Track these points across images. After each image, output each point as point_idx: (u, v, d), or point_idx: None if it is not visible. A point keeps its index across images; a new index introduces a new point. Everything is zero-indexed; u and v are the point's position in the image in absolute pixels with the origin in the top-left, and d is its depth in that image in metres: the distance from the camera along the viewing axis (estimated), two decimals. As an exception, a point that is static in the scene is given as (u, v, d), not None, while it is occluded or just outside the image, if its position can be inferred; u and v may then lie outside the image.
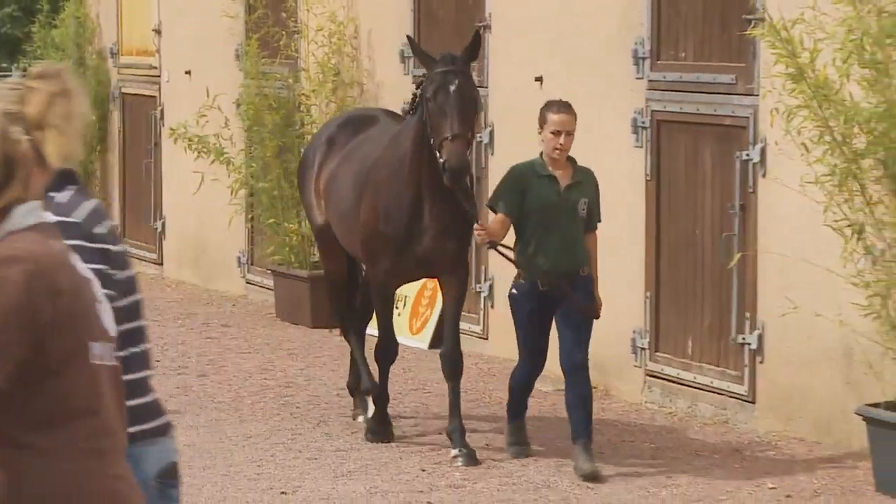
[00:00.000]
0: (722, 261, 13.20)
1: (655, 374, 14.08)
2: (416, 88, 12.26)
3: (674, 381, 13.78)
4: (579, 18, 14.63)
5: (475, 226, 11.74)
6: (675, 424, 13.36)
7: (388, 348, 12.83)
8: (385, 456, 12.40)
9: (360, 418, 13.27)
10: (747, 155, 13.09)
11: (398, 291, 16.68)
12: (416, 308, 16.66)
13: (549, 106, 11.72)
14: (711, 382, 13.59)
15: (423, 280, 16.39)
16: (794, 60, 11.42)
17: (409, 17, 16.92)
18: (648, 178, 14.07)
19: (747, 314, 13.16)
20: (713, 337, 13.43)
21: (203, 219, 19.70)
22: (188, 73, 20.13)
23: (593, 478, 11.28)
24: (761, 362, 13.11)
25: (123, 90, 22.07)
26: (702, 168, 13.75)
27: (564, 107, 11.65)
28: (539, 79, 14.98)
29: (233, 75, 18.92)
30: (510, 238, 11.98)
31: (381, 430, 12.76)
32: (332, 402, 14.24)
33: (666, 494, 10.23)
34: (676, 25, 13.93)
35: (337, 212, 13.09)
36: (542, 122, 11.59)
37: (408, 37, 12.73)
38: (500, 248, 11.91)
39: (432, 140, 11.68)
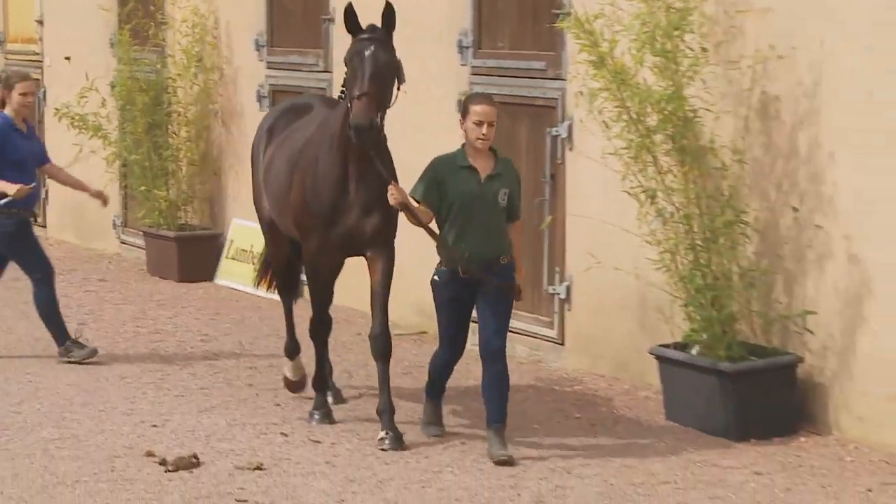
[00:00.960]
0: (536, 223, 13.29)
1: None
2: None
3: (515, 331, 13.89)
4: (413, 13, 14.60)
5: (389, 186, 10.49)
6: (523, 372, 13.38)
7: (320, 326, 11.67)
8: (243, 394, 12.47)
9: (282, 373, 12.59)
10: (556, 131, 13.26)
11: (250, 247, 16.82)
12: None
13: (472, 98, 10.71)
14: (527, 327, 13.75)
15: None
16: (596, 50, 11.50)
17: (263, 10, 16.92)
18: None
19: (557, 269, 13.36)
20: (528, 288, 13.50)
21: (82, 187, 19.60)
22: (68, 58, 19.99)
23: (506, 463, 10.32)
24: (569, 310, 13.30)
25: (11, 73, 21.88)
26: (518, 142, 13.82)
27: (486, 98, 10.65)
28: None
29: (108, 61, 18.80)
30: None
31: (323, 413, 11.52)
32: (197, 347, 14.31)
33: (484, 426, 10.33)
34: (495, 20, 14.02)
35: (273, 196, 11.91)
36: (465, 112, 10.48)
37: (348, 5, 10.81)
38: (421, 226, 10.65)
39: (349, 105, 10.56)
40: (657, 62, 11.46)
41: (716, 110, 11.54)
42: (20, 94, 13.29)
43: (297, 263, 12.54)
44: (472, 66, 14.16)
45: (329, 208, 10.96)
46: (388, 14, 10.93)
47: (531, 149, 13.68)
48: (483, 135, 10.32)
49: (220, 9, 17.55)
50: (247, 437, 11.18)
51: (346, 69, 10.79)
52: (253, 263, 16.50)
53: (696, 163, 11.41)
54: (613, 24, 11.52)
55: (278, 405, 12.12)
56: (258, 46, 16.97)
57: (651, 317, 12.27)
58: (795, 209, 11.31)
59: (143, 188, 17.90)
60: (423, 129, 14.39)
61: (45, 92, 20.71)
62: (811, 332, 11.28)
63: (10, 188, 13.04)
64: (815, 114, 11.17)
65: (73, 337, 13.74)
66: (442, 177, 10.44)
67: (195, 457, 10.41)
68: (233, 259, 17.12)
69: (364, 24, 10.96)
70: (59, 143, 19.27)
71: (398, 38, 14.68)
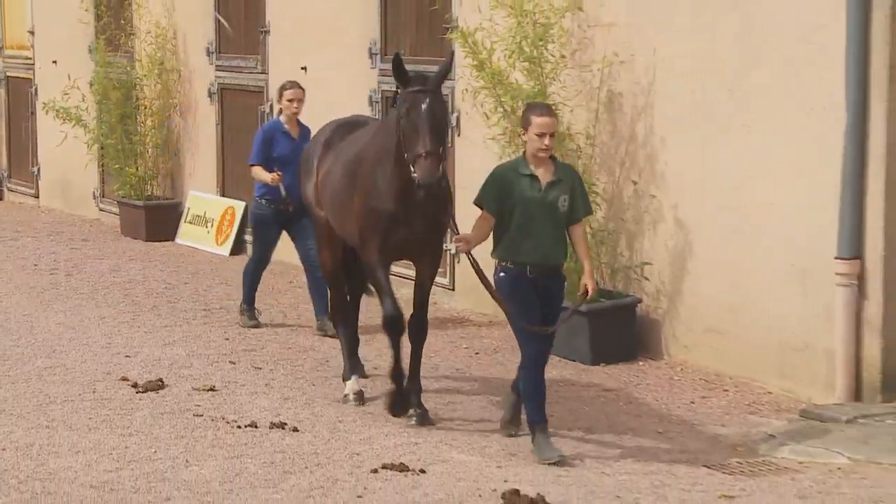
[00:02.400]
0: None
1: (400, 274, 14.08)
2: (396, 92, 9.46)
3: (402, 277, 13.97)
4: (333, 26, 14.69)
5: (455, 238, 9.25)
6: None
7: (392, 320, 9.67)
8: (199, 330, 12.51)
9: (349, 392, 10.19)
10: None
11: (203, 213, 16.83)
12: (220, 228, 16.59)
13: (533, 109, 8.99)
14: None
15: (227, 206, 16.48)
16: (477, 56, 11.61)
17: (212, 24, 16.84)
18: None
19: (449, 231, 13.33)
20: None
21: (67, 165, 19.39)
22: (55, 62, 19.83)
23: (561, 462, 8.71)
24: (458, 263, 13.32)
25: (8, 74, 21.63)
26: None
27: (547, 110, 8.96)
28: (304, 68, 15.00)
29: (87, 64, 18.61)
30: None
31: (398, 402, 9.72)
32: (161, 294, 14.26)
33: (384, 361, 10.28)
34: (397, 32, 14.01)
35: (332, 202, 10.17)
36: (527, 124, 8.85)
37: (396, 54, 9.46)
38: (472, 258, 9.13)
39: (406, 154, 9.05)
40: (525, 66, 11.57)
41: (572, 104, 11.65)
42: (287, 101, 12.40)
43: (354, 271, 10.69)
44: (380, 69, 14.12)
45: (393, 210, 9.38)
46: (446, 65, 9.63)
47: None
48: (545, 146, 8.76)
49: (177, 22, 17.43)
50: (202, 364, 11.22)
51: (399, 116, 9.14)
52: (206, 227, 16.62)
53: (557, 146, 11.52)
54: (491, 35, 11.62)
55: (227, 339, 12.19)
56: (208, 52, 16.91)
57: None
58: (635, 182, 11.46)
59: (116, 166, 17.73)
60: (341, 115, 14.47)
61: (36, 89, 20.50)
62: (647, 279, 11.49)
63: (267, 177, 12.33)
64: (650, 107, 11.34)
65: (255, 308, 12.81)
66: (505, 186, 8.87)
67: (160, 381, 10.48)
68: (190, 223, 17.06)
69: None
70: (49, 130, 19.26)
71: (325, 50, 14.87)
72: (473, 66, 11.71)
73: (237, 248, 16.25)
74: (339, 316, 10.72)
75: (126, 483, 8.20)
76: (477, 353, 11.82)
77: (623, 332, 11.45)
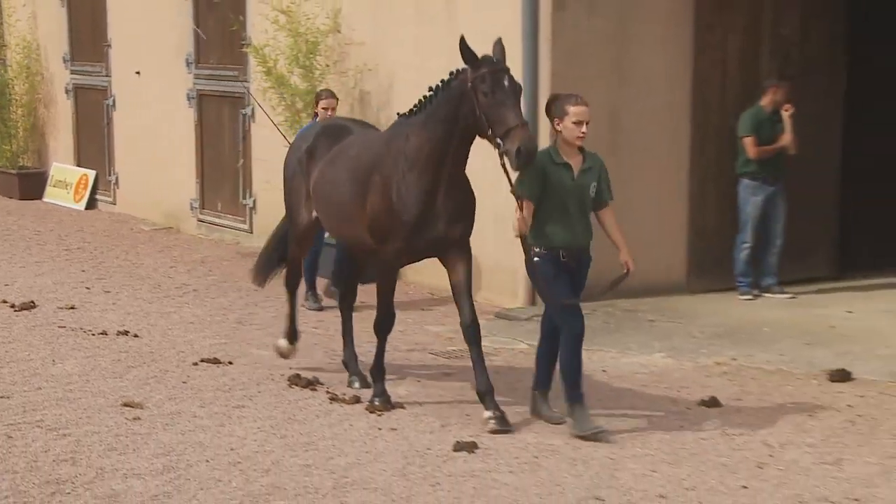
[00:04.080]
0: (236, 163, 13.35)
1: (203, 220, 14.08)
2: (430, 91, 7.41)
3: (213, 224, 13.92)
4: (158, 42, 14.49)
5: (517, 214, 7.06)
6: (218, 247, 13.45)
7: (386, 321, 7.78)
8: (62, 265, 12.18)
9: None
10: (245, 111, 13.21)
11: (64, 179, 16.48)
12: (77, 189, 16.24)
13: (567, 99, 7.15)
14: (232, 224, 13.66)
15: (81, 173, 16.19)
16: (265, 65, 11.68)
17: (65, 38, 16.44)
18: (196, 123, 13.99)
19: (247, 189, 13.36)
20: (234, 200, 13.56)
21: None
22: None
23: (556, 422, 7.24)
24: (255, 213, 13.28)
25: None
26: (224, 119, 13.68)
27: (581, 99, 7.15)
28: (138, 72, 14.82)
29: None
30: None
31: (383, 399, 7.65)
32: (32, 238, 13.83)
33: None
34: (207, 46, 13.81)
35: (330, 206, 8.05)
36: (562, 113, 7.03)
37: (462, 37, 7.19)
38: (526, 240, 7.17)
39: (491, 130, 6.92)
40: (301, 72, 11.61)
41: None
42: (321, 108, 10.45)
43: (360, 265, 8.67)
44: (195, 74, 13.94)
45: (417, 217, 7.32)
46: (502, 48, 7.30)
47: (231, 121, 13.53)
48: (583, 133, 7.02)
49: (39, 37, 16.95)
50: (65, 290, 11.04)
51: (477, 94, 7.02)
52: (66, 189, 16.30)
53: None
54: (275, 49, 11.67)
55: (83, 271, 11.95)
56: (64, 60, 16.52)
57: None
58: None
59: (-4, 146, 17.39)
60: (164, 113, 14.34)
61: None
62: None
63: None
64: (389, 103, 11.38)
65: (318, 293, 10.75)
66: (543, 173, 7.05)
67: (32, 302, 10.32)
68: (54, 187, 16.63)
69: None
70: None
71: (153, 60, 14.65)
72: (263, 71, 11.76)
73: (90, 205, 15.97)
74: (292, 284, 8.70)
75: (6, 377, 8.14)
76: (279, 275, 11.70)
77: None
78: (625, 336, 9.36)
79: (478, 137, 7.15)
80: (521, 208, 7.03)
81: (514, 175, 7.00)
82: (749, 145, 10.46)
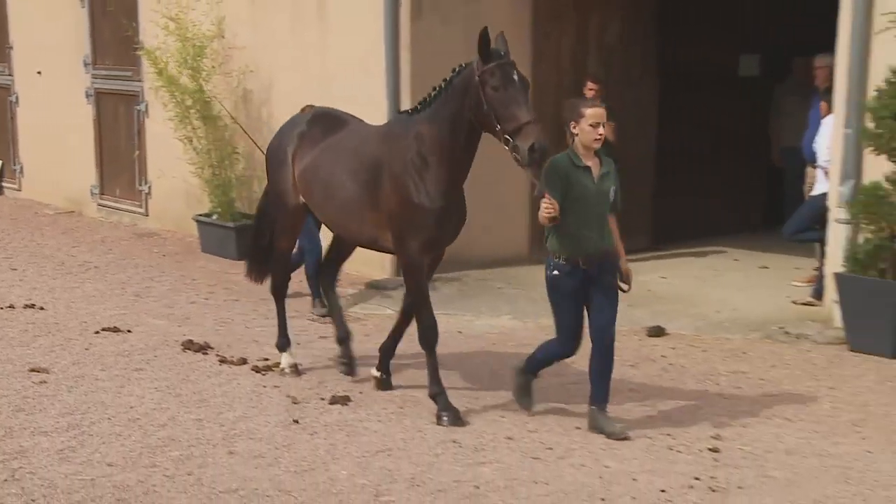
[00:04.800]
0: (132, 154, 13.00)
1: (103, 205, 13.65)
2: (442, 84, 6.37)
3: (112, 208, 13.58)
4: (58, 44, 13.96)
5: (545, 200, 5.93)
6: (117, 229, 13.10)
7: (430, 331, 6.49)
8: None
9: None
10: (139, 108, 12.82)
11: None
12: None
13: (583, 102, 6.33)
14: (129, 207, 13.25)
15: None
16: (157, 66, 11.37)
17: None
18: (95, 118, 13.54)
19: (143, 177, 12.99)
20: (130, 186, 13.24)
21: None
22: None
23: (625, 437, 6.19)
24: (150, 197, 12.95)
25: None
26: (120, 115, 13.14)
27: (595, 101, 6.41)
28: (39, 72, 14.28)
29: None
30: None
31: (453, 415, 6.46)
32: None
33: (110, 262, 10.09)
34: (103, 49, 13.30)
35: (329, 200, 6.90)
36: (579, 116, 6.06)
37: (485, 28, 6.16)
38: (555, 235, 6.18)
39: (500, 125, 5.97)
40: (189, 73, 11.33)
41: (221, 97, 11.46)
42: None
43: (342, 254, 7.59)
44: (92, 74, 13.46)
45: (441, 209, 6.36)
46: (505, 41, 6.28)
47: (126, 117, 13.11)
48: (600, 135, 6.08)
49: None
50: (-24, 269, 10.68)
51: (485, 88, 6.04)
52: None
53: (211, 124, 11.48)
54: (166, 52, 11.37)
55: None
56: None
57: (191, 199, 12.01)
58: (258, 146, 11.47)
59: None
60: (65, 109, 13.85)
61: None
62: None
63: None
64: (269, 100, 11.31)
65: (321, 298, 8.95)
66: (567, 177, 6.07)
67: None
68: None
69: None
70: None
71: (54, 61, 14.14)
72: (155, 72, 11.47)
73: (-2, 193, 15.46)
74: (279, 293, 7.60)
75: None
76: (165, 256, 11.54)
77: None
78: (477, 301, 9.44)
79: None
80: (550, 204, 5.92)
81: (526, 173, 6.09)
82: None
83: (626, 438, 6.18)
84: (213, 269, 10.76)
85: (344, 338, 7.43)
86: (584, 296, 6.18)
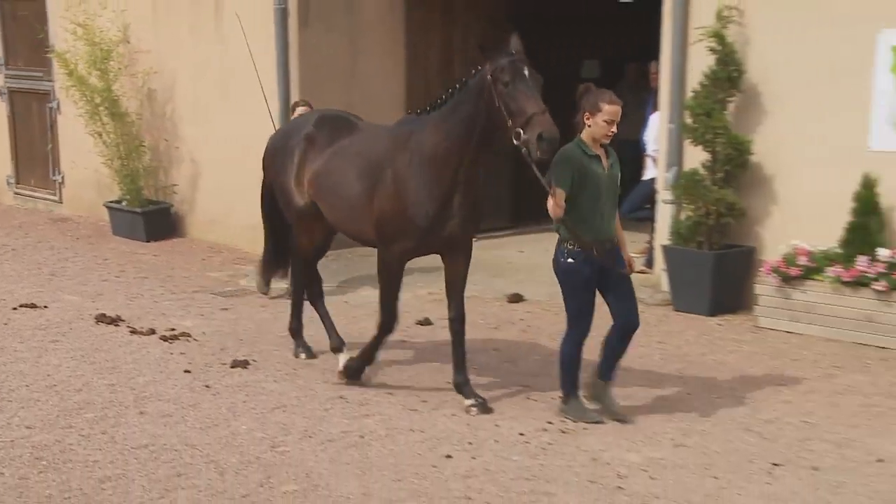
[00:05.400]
0: (45, 147, 12.41)
1: (19, 193, 13.05)
2: (456, 86, 5.62)
3: (28, 196, 13.02)
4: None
5: (551, 200, 5.36)
6: (33, 215, 12.51)
7: (389, 325, 6.04)
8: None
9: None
10: (51, 105, 12.26)
11: None
12: None
13: (602, 96, 5.41)
14: (44, 196, 12.70)
15: None
16: (68, 67, 10.91)
17: None
18: (9, 115, 12.89)
19: (56, 168, 12.45)
20: (45, 176, 12.62)
21: None
22: None
23: (616, 416, 5.71)
24: (63, 186, 12.38)
25: None
26: (33, 112, 12.61)
27: (616, 99, 5.43)
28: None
29: None
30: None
31: (357, 371, 6.26)
32: None
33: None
34: (15, 50, 12.72)
35: (337, 200, 6.09)
36: (595, 109, 5.36)
37: (515, 34, 5.55)
38: (568, 224, 5.43)
39: (511, 121, 5.24)
40: (98, 73, 10.93)
41: (128, 97, 11.08)
42: (298, 115, 8.20)
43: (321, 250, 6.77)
44: (5, 74, 12.82)
45: (433, 218, 5.62)
46: (519, 41, 5.49)
47: (39, 114, 12.53)
48: (612, 132, 5.39)
49: None
50: None
51: (497, 85, 5.33)
52: None
53: (119, 120, 11.09)
54: (76, 55, 10.94)
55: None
56: None
57: (102, 187, 11.54)
58: (166, 140, 11.09)
59: None
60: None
61: None
62: (176, 194, 11.10)
63: None
64: (172, 98, 10.94)
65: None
66: (578, 167, 5.38)
67: None
68: None
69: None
70: None
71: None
72: (66, 73, 11.03)
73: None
74: (300, 286, 6.76)
75: None
76: (83, 236, 11.12)
77: (167, 224, 10.93)
78: (361, 275, 9.39)
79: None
80: (557, 204, 5.33)
81: (534, 169, 5.33)
82: None
83: (624, 421, 5.62)
84: (123, 250, 10.44)
85: (338, 347, 6.51)
86: (597, 282, 5.52)
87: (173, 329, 7.47)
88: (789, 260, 7.40)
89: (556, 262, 5.54)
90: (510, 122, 5.23)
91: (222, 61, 10.49)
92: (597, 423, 5.65)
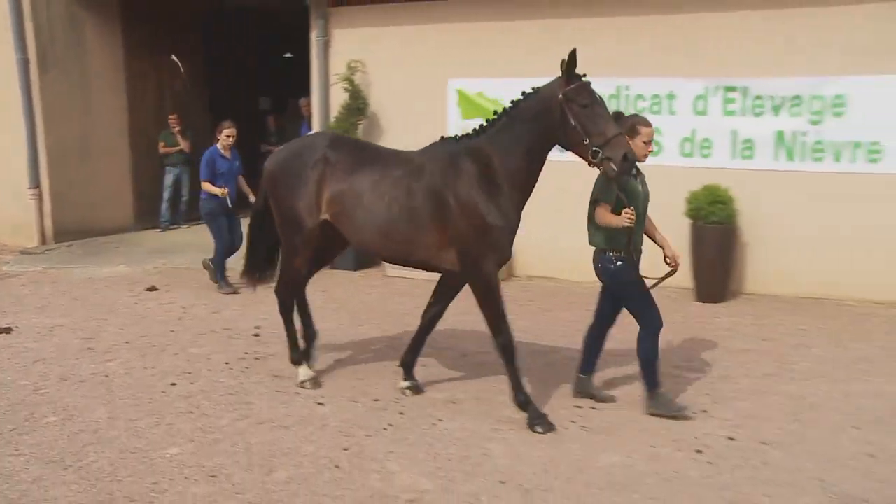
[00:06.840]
0: None
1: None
2: (511, 106, 4.45)
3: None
4: None
5: (627, 211, 4.38)
6: None
7: (510, 346, 4.46)
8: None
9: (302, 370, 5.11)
10: None
11: None
12: None
13: (638, 119, 4.51)
14: None
15: None
16: None
17: None
18: None
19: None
20: None
21: None
22: None
23: (678, 413, 4.64)
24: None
25: None
26: None
27: (648, 121, 4.53)
28: None
29: None
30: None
31: (544, 422, 4.50)
32: None
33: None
34: None
35: (372, 225, 4.59)
36: (634, 133, 4.46)
37: (573, 50, 4.24)
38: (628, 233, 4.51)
39: (587, 140, 4.23)
40: None
41: None
42: (224, 135, 7.21)
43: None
44: None
45: (514, 230, 4.50)
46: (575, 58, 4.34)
47: None
48: (650, 151, 4.49)
49: None
50: None
51: (572, 106, 4.29)
52: None
53: None
54: None
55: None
56: None
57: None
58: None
59: None
60: None
61: None
62: None
63: (216, 190, 7.11)
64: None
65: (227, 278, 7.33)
66: (625, 185, 4.49)
67: None
68: None
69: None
70: None
71: None
72: None
73: None
74: (289, 314, 5.08)
75: None
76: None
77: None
78: (100, 257, 8.98)
79: None
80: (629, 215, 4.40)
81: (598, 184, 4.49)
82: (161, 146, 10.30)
83: (686, 418, 4.59)
84: None
85: (311, 336, 5.15)
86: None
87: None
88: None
89: (604, 270, 4.55)
90: (587, 141, 4.27)
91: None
92: (687, 418, 4.56)
